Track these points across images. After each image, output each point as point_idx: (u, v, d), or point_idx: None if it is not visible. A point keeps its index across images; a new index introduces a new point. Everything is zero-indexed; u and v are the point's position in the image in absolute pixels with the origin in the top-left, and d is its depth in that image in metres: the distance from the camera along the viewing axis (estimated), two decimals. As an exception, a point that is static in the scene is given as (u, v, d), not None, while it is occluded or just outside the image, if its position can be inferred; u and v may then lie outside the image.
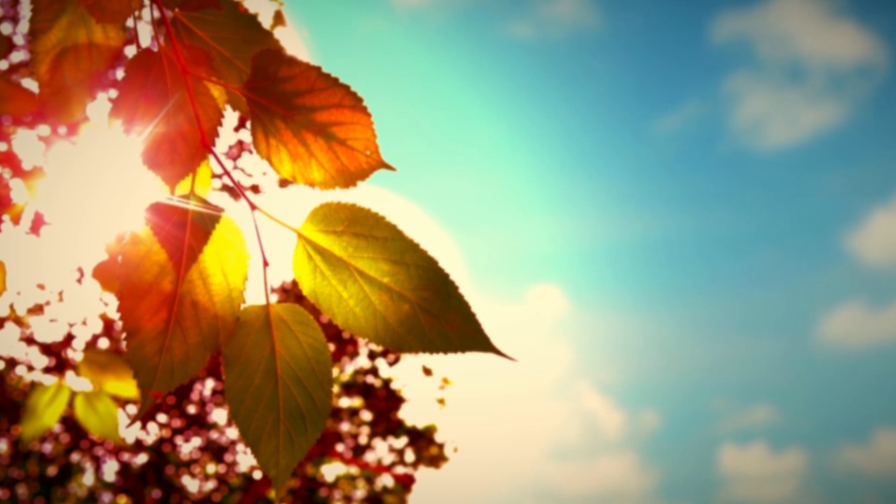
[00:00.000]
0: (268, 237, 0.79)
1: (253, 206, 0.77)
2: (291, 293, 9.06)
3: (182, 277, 0.74)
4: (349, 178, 0.76)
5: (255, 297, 0.79)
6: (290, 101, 0.75)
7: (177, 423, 9.41)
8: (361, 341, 9.75)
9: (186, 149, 0.78)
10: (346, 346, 9.66)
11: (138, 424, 8.99)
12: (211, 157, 0.81)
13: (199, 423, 9.46)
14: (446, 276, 0.74)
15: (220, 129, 0.80)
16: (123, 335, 0.73)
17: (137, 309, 0.72)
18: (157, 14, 0.88)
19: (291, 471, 0.77)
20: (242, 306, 0.76)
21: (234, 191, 7.23)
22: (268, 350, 0.77)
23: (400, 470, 10.15)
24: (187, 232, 0.74)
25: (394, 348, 0.74)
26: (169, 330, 0.73)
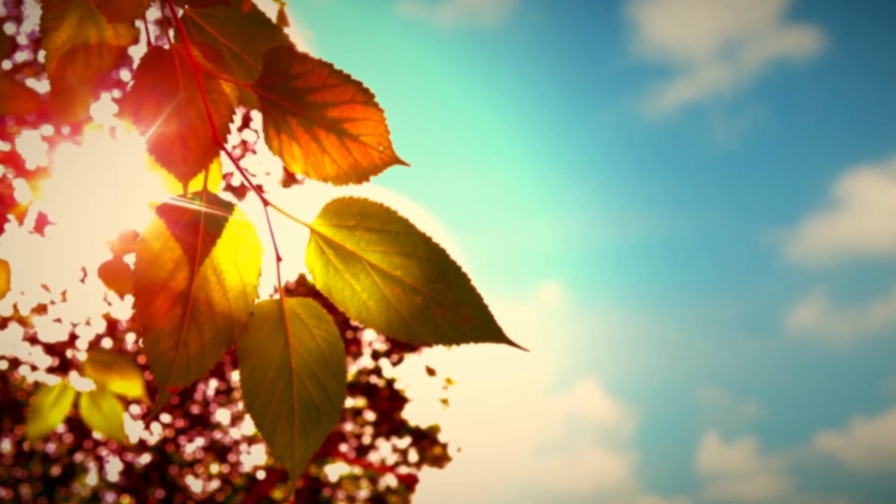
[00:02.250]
0: (276, 234, 0.80)
1: (266, 203, 0.78)
2: (295, 293, 9.07)
3: (196, 273, 0.74)
4: (362, 174, 0.77)
5: (267, 291, 0.79)
6: (302, 98, 0.76)
7: (180, 423, 9.42)
8: (365, 341, 9.76)
9: (198, 146, 0.78)
10: (349, 347, 9.67)
11: (141, 424, 9.01)
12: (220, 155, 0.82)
13: (203, 423, 9.47)
14: (458, 268, 0.74)
15: (231, 125, 0.81)
16: (139, 331, 0.74)
17: (152, 305, 0.73)
18: (166, 12, 0.88)
19: (306, 462, 0.78)
20: (256, 301, 0.77)
21: (239, 191, 7.24)
22: (282, 344, 0.78)
23: (403, 470, 10.16)
24: (200, 228, 0.75)
25: (407, 340, 0.75)
26: (184, 325, 0.74)
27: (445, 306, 0.74)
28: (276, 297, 0.80)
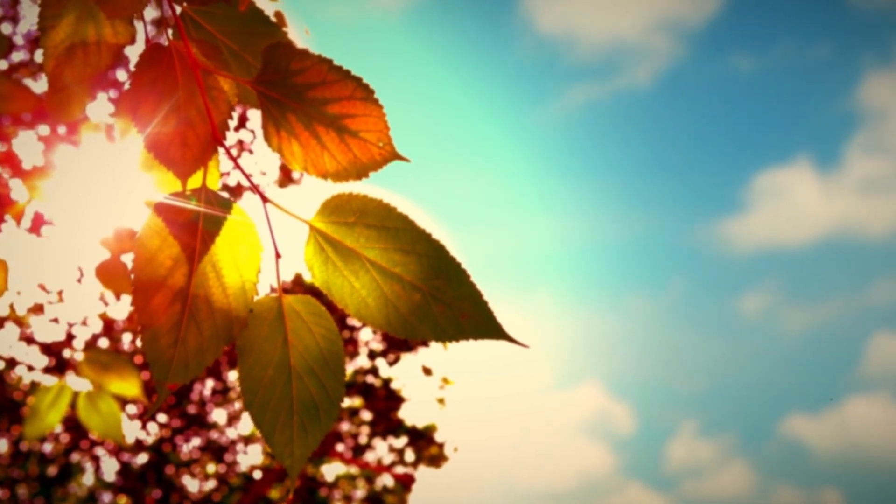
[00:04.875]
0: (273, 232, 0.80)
1: (265, 199, 0.78)
2: (291, 293, 9.05)
3: (195, 270, 0.74)
4: (362, 170, 0.76)
5: (266, 289, 0.79)
6: (301, 94, 0.76)
7: (177, 422, 9.41)
8: (361, 341, 9.76)
9: (198, 143, 0.78)
10: (345, 346, 9.66)
11: (138, 424, 9.00)
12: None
13: (199, 423, 9.46)
14: (457, 264, 0.74)
15: (230, 122, 0.80)
16: (138, 329, 0.74)
17: (151, 303, 0.73)
18: (165, 10, 0.88)
19: (305, 460, 0.78)
20: (255, 298, 0.77)
21: (235, 191, 7.23)
22: (281, 341, 0.78)
23: (400, 470, 10.15)
24: (199, 225, 0.75)
25: (406, 337, 0.75)
26: (183, 322, 0.73)
27: (445, 303, 0.74)
28: (275, 294, 0.80)
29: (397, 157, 0.76)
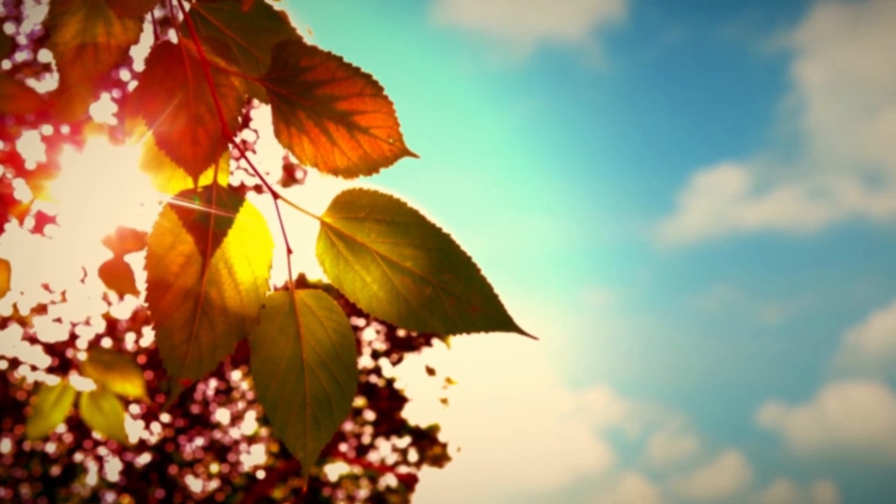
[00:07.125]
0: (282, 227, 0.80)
1: (276, 195, 0.78)
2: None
3: (207, 267, 0.75)
4: (372, 166, 0.77)
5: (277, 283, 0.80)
6: (311, 91, 0.76)
7: (180, 422, 9.42)
8: (364, 341, 9.76)
9: (208, 139, 0.79)
10: (348, 345, 9.65)
11: (141, 424, 9.00)
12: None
13: (203, 423, 9.47)
14: (468, 258, 0.75)
15: (240, 118, 0.81)
16: (146, 327, 0.74)
17: (164, 299, 0.73)
18: (174, 7, 0.89)
19: (318, 453, 0.79)
20: (267, 293, 0.77)
21: (240, 191, 7.24)
22: (293, 336, 0.79)
23: (403, 469, 10.16)
24: (211, 222, 0.75)
25: (417, 330, 0.76)
26: (196, 319, 0.74)
27: (455, 296, 0.75)
28: (287, 289, 0.80)
29: (407, 153, 0.77)
